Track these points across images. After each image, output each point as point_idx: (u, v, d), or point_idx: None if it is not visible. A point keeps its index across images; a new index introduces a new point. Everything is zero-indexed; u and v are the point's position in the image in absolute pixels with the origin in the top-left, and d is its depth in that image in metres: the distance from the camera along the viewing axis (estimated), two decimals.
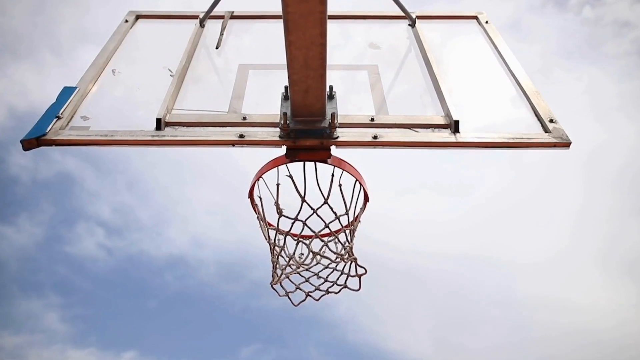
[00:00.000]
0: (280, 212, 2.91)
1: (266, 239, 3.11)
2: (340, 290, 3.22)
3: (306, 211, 2.90)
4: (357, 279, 3.12)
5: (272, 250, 3.11)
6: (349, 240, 3.07)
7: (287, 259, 3.10)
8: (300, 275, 3.18)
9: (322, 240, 3.04)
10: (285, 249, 3.10)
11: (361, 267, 3.06)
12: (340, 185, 2.84)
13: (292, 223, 2.91)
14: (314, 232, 2.97)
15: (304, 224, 2.91)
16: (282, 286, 3.21)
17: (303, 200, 2.80)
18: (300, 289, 3.22)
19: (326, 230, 2.96)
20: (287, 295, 3.23)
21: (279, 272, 3.11)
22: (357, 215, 3.07)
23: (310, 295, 3.25)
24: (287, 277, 3.16)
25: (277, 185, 2.84)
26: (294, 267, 3.12)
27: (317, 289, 3.24)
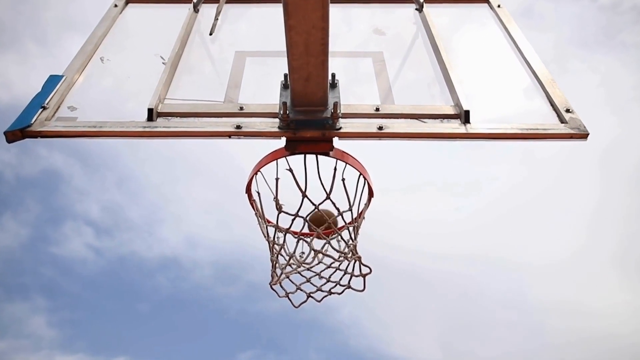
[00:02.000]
0: (279, 209, 2.90)
1: (265, 236, 3.10)
2: (343, 291, 3.21)
3: (307, 207, 2.89)
4: (361, 279, 3.10)
5: (271, 249, 3.10)
6: (353, 238, 3.06)
7: (287, 258, 3.09)
8: (301, 275, 3.18)
9: (324, 238, 3.03)
10: (285, 247, 3.09)
11: (366, 266, 3.05)
12: (343, 180, 2.83)
13: (293, 220, 2.91)
14: (315, 229, 2.96)
15: (305, 220, 2.90)
16: (282, 287, 3.20)
17: (304, 195, 2.79)
18: (301, 290, 3.22)
19: (328, 228, 2.95)
20: (287, 297, 3.22)
21: (278, 271, 3.10)
22: (361, 212, 3.06)
23: (312, 296, 3.24)
24: (287, 277, 3.15)
25: (277, 179, 2.83)
26: (294, 266, 3.11)
27: (319, 289, 3.23)
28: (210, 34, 3.26)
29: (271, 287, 3.17)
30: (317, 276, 3.19)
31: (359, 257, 3.04)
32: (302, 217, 2.90)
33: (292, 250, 3.09)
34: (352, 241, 3.06)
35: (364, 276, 3.08)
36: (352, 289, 3.19)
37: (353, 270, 3.12)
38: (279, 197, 2.89)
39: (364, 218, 3.11)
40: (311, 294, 3.24)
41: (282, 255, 3.10)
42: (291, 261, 3.11)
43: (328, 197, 2.85)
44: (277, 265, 3.09)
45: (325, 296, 3.26)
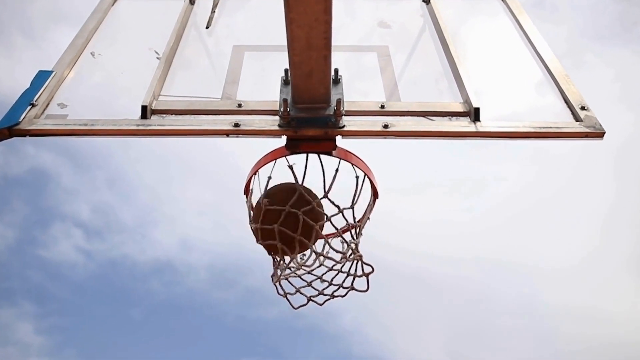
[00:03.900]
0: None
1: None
2: (346, 294, 3.20)
3: None
4: (364, 279, 3.10)
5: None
6: (355, 237, 3.05)
7: (287, 261, 3.09)
8: (302, 279, 3.18)
9: (326, 241, 3.03)
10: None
11: (367, 264, 3.04)
12: (336, 171, 2.82)
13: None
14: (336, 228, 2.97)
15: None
16: (281, 286, 3.20)
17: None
18: (301, 293, 3.21)
19: (332, 229, 2.95)
20: (286, 297, 3.20)
21: (279, 272, 3.10)
22: (365, 213, 3.07)
23: (313, 300, 3.23)
24: (287, 279, 3.15)
25: (269, 178, 2.81)
26: (293, 268, 3.11)
27: (321, 293, 3.22)
28: (207, 27, 3.27)
29: (272, 281, 3.17)
30: (319, 280, 3.19)
31: (360, 256, 3.03)
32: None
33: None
34: (354, 240, 3.05)
35: (366, 275, 3.07)
36: (356, 289, 3.18)
37: (355, 270, 3.11)
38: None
39: (368, 218, 3.11)
40: (312, 298, 3.23)
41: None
42: (291, 264, 3.11)
43: (325, 196, 2.85)
44: (277, 265, 3.09)
45: (328, 299, 3.25)
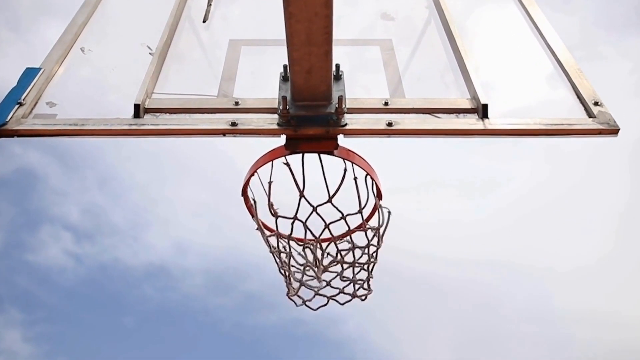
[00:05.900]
0: (275, 214, 2.94)
1: (268, 248, 3.13)
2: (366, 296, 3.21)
3: (308, 209, 2.92)
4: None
5: (279, 261, 3.13)
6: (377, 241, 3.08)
7: (301, 267, 3.12)
8: (309, 278, 3.19)
9: (337, 246, 3.08)
10: (292, 254, 3.12)
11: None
12: (355, 179, 2.86)
13: (292, 223, 2.94)
14: (332, 234, 3.01)
15: (304, 225, 2.93)
16: (299, 296, 3.22)
17: (302, 195, 2.81)
18: (320, 295, 3.21)
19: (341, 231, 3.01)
20: (305, 304, 3.24)
21: (295, 284, 3.13)
22: (369, 216, 3.09)
23: (335, 299, 3.24)
24: (303, 285, 3.17)
25: (269, 183, 2.84)
26: (309, 272, 3.14)
27: (342, 291, 3.22)
28: (204, 22, 3.28)
29: (289, 297, 3.21)
30: (338, 277, 3.20)
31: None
32: (300, 220, 2.92)
33: (300, 258, 3.13)
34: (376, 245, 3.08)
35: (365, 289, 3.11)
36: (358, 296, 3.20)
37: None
38: (272, 201, 2.91)
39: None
40: (333, 297, 3.23)
41: (293, 265, 3.13)
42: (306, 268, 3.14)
43: (329, 200, 2.87)
44: (290, 275, 3.12)
45: (348, 301, 3.25)
